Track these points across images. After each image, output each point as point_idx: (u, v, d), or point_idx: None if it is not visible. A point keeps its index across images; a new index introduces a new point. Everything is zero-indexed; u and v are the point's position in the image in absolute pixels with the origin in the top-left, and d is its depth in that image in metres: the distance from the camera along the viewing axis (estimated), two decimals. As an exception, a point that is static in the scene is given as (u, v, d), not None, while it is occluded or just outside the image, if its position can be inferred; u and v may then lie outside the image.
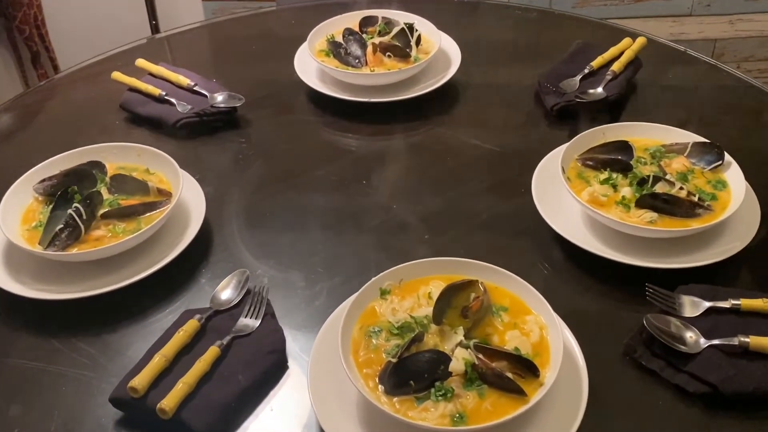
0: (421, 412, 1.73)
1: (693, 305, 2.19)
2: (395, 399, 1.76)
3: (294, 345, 2.12)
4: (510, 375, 1.77)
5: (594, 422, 1.89)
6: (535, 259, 2.45)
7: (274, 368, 1.97)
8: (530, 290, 1.93)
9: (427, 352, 1.79)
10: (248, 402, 2.04)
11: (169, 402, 1.91)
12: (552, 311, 1.83)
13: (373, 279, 1.91)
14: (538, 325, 1.92)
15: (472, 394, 1.77)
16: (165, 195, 2.52)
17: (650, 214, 2.41)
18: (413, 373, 1.77)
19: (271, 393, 1.94)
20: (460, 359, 1.79)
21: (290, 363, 2.01)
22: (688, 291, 2.24)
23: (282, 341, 2.17)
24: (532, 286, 1.88)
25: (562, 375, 1.72)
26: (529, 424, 1.89)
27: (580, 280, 2.36)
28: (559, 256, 2.45)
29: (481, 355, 1.83)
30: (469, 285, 2.00)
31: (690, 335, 2.11)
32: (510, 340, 1.88)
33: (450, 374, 1.77)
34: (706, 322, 2.13)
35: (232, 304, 2.27)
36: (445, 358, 1.78)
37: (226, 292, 2.30)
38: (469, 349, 1.82)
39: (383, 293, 1.98)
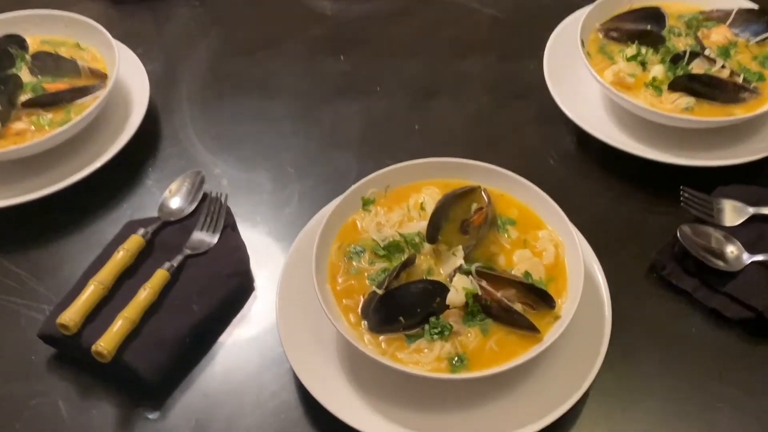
0: (413, 353, 1.49)
1: (734, 212, 1.84)
2: (381, 338, 1.52)
3: (260, 265, 1.86)
4: (519, 307, 1.53)
5: (617, 354, 1.64)
6: (547, 156, 2.08)
7: (237, 294, 1.78)
8: (543, 198, 1.68)
9: (419, 282, 1.55)
10: (205, 336, 1.74)
11: (107, 343, 1.57)
12: (570, 225, 1.62)
13: (354, 187, 1.67)
14: (552, 243, 1.67)
15: (474, 330, 1.52)
16: (99, 77, 2.09)
17: (686, 99, 2.03)
18: (403, 306, 1.52)
19: (234, 324, 1.75)
20: (459, 289, 1.54)
21: (256, 287, 1.83)
22: (729, 194, 1.90)
23: (245, 261, 1.82)
24: (544, 192, 1.66)
25: (581, 303, 1.49)
26: (541, 362, 1.57)
27: (599, 181, 2.04)
28: (575, 152, 2.08)
29: (484, 283, 1.60)
30: (470, 193, 1.78)
31: (731, 249, 1.78)
32: (519, 263, 1.64)
33: (447, 307, 1.52)
34: (749, 233, 1.80)
35: (184, 214, 1.90)
36: (441, 289, 1.54)
37: (177, 198, 1.92)
38: (470, 276, 1.56)
39: (366, 204, 1.72)
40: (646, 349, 1.68)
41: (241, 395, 1.62)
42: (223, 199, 1.91)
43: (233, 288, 1.77)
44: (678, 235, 1.78)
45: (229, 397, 1.56)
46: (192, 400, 1.62)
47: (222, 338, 1.65)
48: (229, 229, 1.87)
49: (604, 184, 2.02)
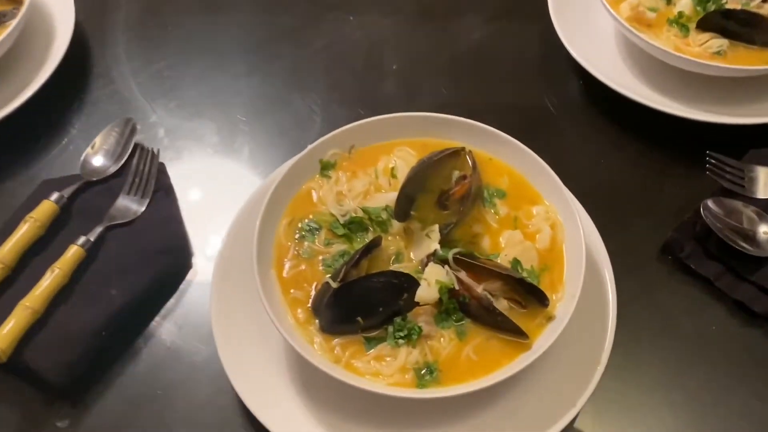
0: (372, 361, 1.26)
1: (769, 182, 1.54)
2: (336, 340, 1.29)
3: (200, 239, 1.59)
4: (505, 304, 1.31)
5: (621, 358, 1.38)
6: (546, 104, 1.74)
7: (168, 276, 1.52)
8: (540, 167, 1.42)
9: (382, 275, 1.31)
10: (127, 329, 1.46)
11: (2, 340, 1.28)
12: (571, 200, 1.40)
13: (310, 147, 1.43)
14: (548, 222, 1.42)
15: (449, 334, 1.29)
16: (14, 0, 1.72)
17: (718, 42, 1.69)
18: (362, 303, 1.28)
19: (164, 314, 1.48)
20: (432, 282, 1.29)
21: (194, 267, 1.55)
22: (763, 159, 1.59)
23: (179, 234, 1.56)
24: (541, 159, 1.41)
25: (580, 299, 1.27)
26: (529, 371, 1.30)
27: (608, 139, 1.76)
28: (579, 102, 1.78)
29: (463, 275, 1.34)
30: (451, 157, 1.48)
31: (764, 230, 1.49)
32: (507, 247, 1.39)
33: (416, 304, 1.28)
34: (786, 210, 1.50)
35: (109, 173, 1.59)
36: (408, 283, 1.29)
37: (102, 154, 1.60)
38: (446, 266, 1.32)
39: (325, 168, 1.48)
40: (657, 353, 1.44)
41: (170, 401, 1.39)
42: (155, 154, 1.58)
43: (164, 268, 1.50)
44: (701, 210, 1.50)
45: (155, 403, 1.36)
46: (110, 407, 1.37)
47: (148, 331, 1.44)
48: (162, 193, 1.59)
49: (613, 144, 1.73)
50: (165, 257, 1.50)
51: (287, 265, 1.38)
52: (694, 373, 1.42)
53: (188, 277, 1.52)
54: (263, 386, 1.32)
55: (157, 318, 1.47)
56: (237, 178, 1.65)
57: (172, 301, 1.49)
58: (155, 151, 1.61)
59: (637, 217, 1.61)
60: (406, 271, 1.34)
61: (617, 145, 1.71)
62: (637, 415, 1.38)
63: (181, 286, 1.51)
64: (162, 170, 1.61)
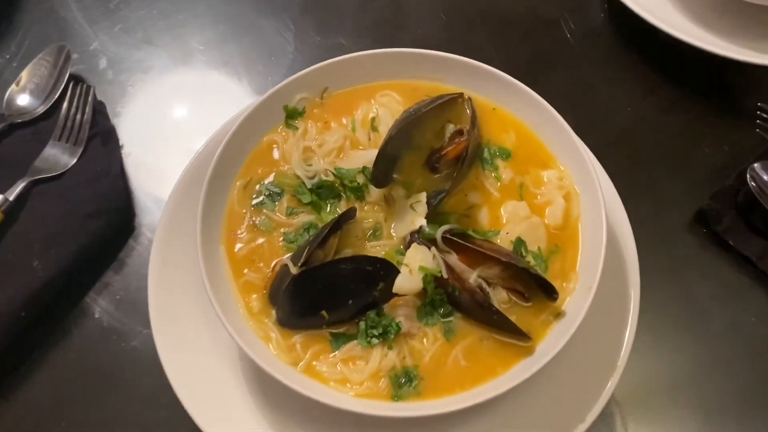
0: (340, 365, 1.07)
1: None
2: (296, 337, 1.09)
3: (146, 198, 1.36)
4: (503, 295, 1.10)
5: (642, 351, 1.17)
6: (564, 31, 1.46)
7: (105, 243, 1.29)
8: (554, 119, 1.20)
9: (353, 261, 1.09)
10: (53, 310, 1.23)
11: None
12: (591, 163, 1.16)
13: (274, 89, 1.22)
14: (562, 191, 1.20)
15: (433, 332, 1.09)
16: None
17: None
18: (328, 293, 1.07)
19: (99, 289, 1.26)
20: (414, 269, 1.08)
21: (137, 231, 1.32)
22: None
23: (118, 192, 1.34)
24: (552, 106, 1.19)
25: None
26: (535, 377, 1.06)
27: (636, 79, 1.48)
28: (603, 30, 1.52)
29: (454, 258, 1.12)
30: (446, 106, 1.24)
31: (822, 202, 1.23)
32: (510, 222, 1.17)
33: (393, 296, 1.08)
34: None
35: (38, 113, 1.33)
36: (386, 270, 1.08)
37: (29, 91, 1.33)
38: (433, 249, 1.11)
39: (292, 116, 1.26)
40: (684, 348, 1.20)
41: (104, 395, 1.19)
42: (93, 91, 1.31)
43: (99, 233, 1.27)
44: (746, 174, 1.27)
45: (87, 397, 1.18)
46: (33, 400, 1.17)
47: (79, 311, 1.24)
48: (99, 140, 1.35)
49: (642, 86, 1.46)
50: (99, 221, 1.26)
51: (241, 239, 1.13)
52: (730, 372, 1.19)
53: (129, 243, 1.28)
54: (211, 391, 1.11)
55: (90, 294, 1.27)
56: (191, 122, 1.38)
57: (109, 273, 1.26)
58: (93, 87, 1.33)
59: (666, 179, 1.37)
60: (383, 254, 1.10)
61: (647, 88, 1.46)
62: (660, 424, 1.15)
63: (120, 255, 1.28)
64: (101, 111, 1.36)
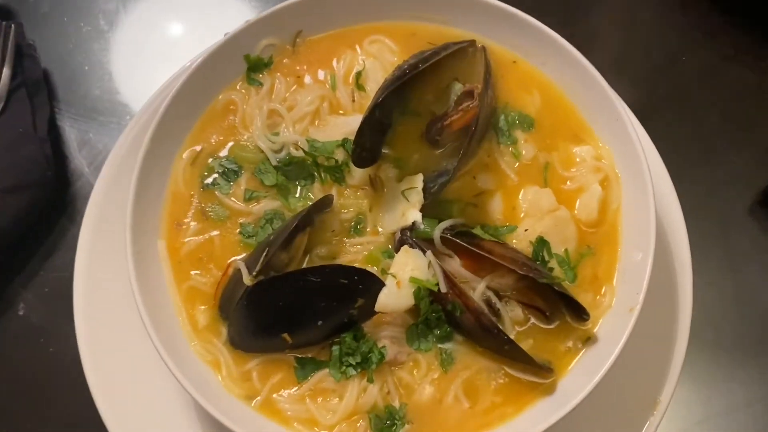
0: (308, 400, 0.85)
1: None
2: (252, 363, 0.87)
3: (84, 164, 1.13)
4: (519, 314, 0.87)
5: (695, 369, 0.98)
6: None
7: (23, 225, 1.07)
8: (588, 74, 0.95)
9: (322, 272, 0.85)
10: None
11: None
12: (637, 134, 0.91)
13: (233, 32, 0.98)
14: (598, 175, 0.96)
15: (427, 360, 0.87)
16: None
17: None
18: (290, 311, 0.85)
19: (23, 281, 1.06)
20: (404, 281, 0.85)
21: (66, 209, 1.10)
22: None
23: (42, 161, 1.09)
24: (588, 60, 0.96)
25: None
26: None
27: (691, 24, 1.21)
28: None
29: (456, 263, 0.88)
30: (453, 59, 0.98)
31: None
32: (529, 216, 0.93)
33: (373, 314, 0.86)
34: None
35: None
36: (366, 282, 0.85)
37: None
38: (428, 253, 0.87)
39: (255, 69, 1.02)
40: (742, 377, 0.95)
41: (23, 402, 1.01)
42: (12, 31, 1.12)
43: (18, 214, 1.05)
44: None
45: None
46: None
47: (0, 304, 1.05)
48: (23, 92, 1.11)
49: (701, 29, 1.20)
50: (20, 197, 1.04)
51: (186, 232, 0.89)
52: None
53: (61, 223, 1.08)
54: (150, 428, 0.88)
55: (14, 285, 1.06)
56: (142, 70, 1.13)
57: (36, 259, 1.05)
58: (20, 24, 1.13)
59: (726, 150, 1.15)
60: (365, 254, 0.88)
61: (707, 32, 1.20)
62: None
63: (51, 238, 1.08)
64: (29, 54, 1.13)
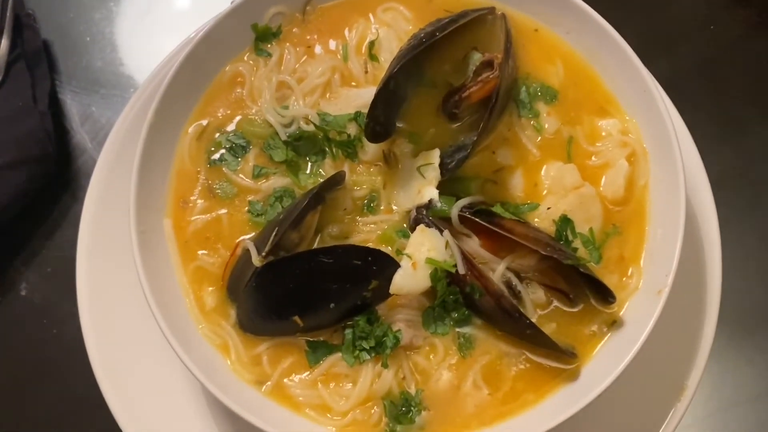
0: (320, 385, 0.82)
1: None
2: (262, 347, 0.84)
3: (87, 139, 1.09)
4: (541, 295, 0.84)
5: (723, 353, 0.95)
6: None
7: (23, 200, 1.04)
8: (614, 42, 0.91)
9: (335, 252, 0.81)
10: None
11: None
12: (665, 107, 0.86)
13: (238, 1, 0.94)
14: (625, 150, 0.91)
15: (444, 344, 0.84)
16: None
17: None
18: (302, 293, 0.81)
19: (25, 258, 1.03)
20: (419, 261, 0.81)
21: (68, 186, 1.06)
22: None
23: (43, 135, 1.05)
24: (613, 27, 0.92)
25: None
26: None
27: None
28: None
29: (475, 243, 0.85)
30: (471, 27, 0.93)
31: None
32: (552, 194, 0.89)
33: (387, 296, 0.82)
34: None
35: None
36: (380, 263, 0.82)
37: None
38: (446, 232, 0.83)
39: (263, 38, 0.98)
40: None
41: (25, 392, 0.98)
42: (9, 2, 1.08)
43: (15, 189, 1.02)
44: None
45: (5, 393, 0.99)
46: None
47: (2, 285, 1.02)
48: (23, 65, 1.08)
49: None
50: (19, 173, 0.99)
51: (192, 210, 0.85)
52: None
53: (64, 200, 1.04)
54: (158, 413, 0.86)
55: (16, 264, 1.03)
56: (150, 37, 1.11)
57: (38, 238, 1.01)
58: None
59: (758, 125, 1.07)
60: (379, 233, 0.86)
61: None
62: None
63: (53, 215, 1.04)
64: (29, 25, 1.10)
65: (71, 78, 1.14)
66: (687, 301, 0.91)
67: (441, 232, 0.84)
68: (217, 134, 0.93)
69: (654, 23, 1.07)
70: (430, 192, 0.88)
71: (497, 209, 0.87)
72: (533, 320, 0.84)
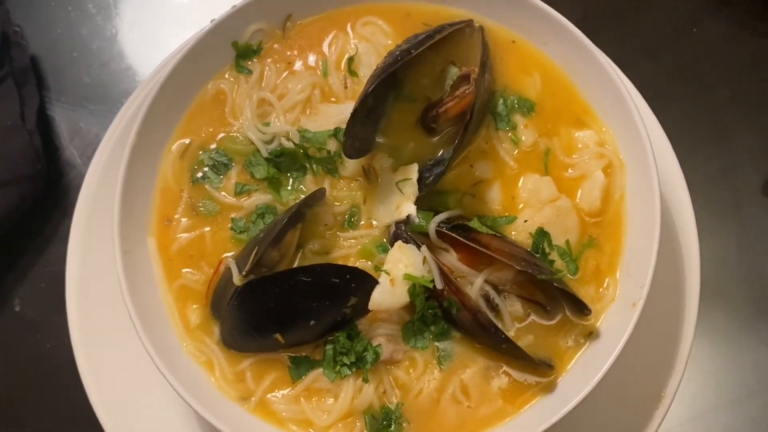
0: (302, 400, 0.83)
1: None
2: (245, 363, 0.85)
3: (77, 156, 1.12)
4: (518, 309, 0.85)
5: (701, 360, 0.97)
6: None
7: (11, 220, 1.06)
8: (589, 53, 0.92)
9: (314, 271, 0.83)
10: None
11: None
12: (641, 118, 0.87)
13: (219, 19, 0.94)
14: (601, 161, 0.92)
15: (424, 358, 0.85)
16: None
17: None
18: (282, 311, 0.82)
19: (16, 274, 1.06)
20: (398, 278, 0.82)
21: (57, 203, 1.08)
22: None
23: (31, 155, 1.06)
24: (586, 38, 0.93)
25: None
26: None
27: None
28: None
29: (453, 257, 0.86)
30: (450, 41, 0.94)
31: None
32: (528, 206, 0.90)
33: (367, 312, 0.84)
34: None
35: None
36: (358, 281, 0.83)
37: None
38: (423, 248, 0.84)
39: (244, 56, 0.97)
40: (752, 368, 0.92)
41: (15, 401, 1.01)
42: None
43: (5, 208, 1.04)
44: None
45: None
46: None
47: None
48: (11, 83, 1.09)
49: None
50: (9, 192, 1.01)
51: (177, 228, 0.87)
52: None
53: (54, 216, 1.06)
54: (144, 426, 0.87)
55: (8, 280, 1.05)
56: (137, 52, 1.12)
57: (30, 254, 1.03)
58: (7, 11, 1.11)
59: (740, 128, 1.10)
60: (359, 248, 0.87)
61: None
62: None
63: (45, 232, 1.06)
64: (16, 42, 1.11)
65: (59, 94, 1.15)
66: (666, 306, 0.92)
67: (419, 247, 0.85)
68: (201, 152, 0.94)
69: (635, 29, 1.07)
70: (408, 208, 0.88)
71: (474, 224, 0.88)
72: (511, 334, 0.84)
